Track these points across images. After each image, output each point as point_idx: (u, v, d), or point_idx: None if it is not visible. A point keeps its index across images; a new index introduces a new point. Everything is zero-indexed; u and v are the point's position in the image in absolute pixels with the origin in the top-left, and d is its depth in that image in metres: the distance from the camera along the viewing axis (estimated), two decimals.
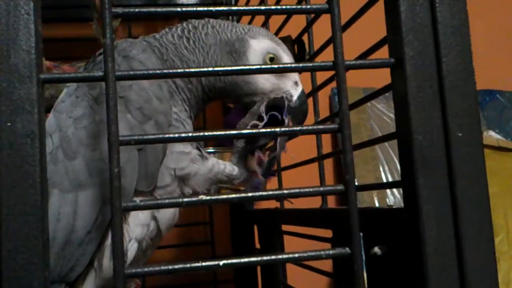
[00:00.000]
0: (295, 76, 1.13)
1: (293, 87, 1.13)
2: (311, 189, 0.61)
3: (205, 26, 1.12)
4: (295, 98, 1.12)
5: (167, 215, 1.05)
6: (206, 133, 0.61)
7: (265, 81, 1.11)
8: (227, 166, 1.11)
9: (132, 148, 0.93)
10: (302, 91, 1.14)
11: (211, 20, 1.14)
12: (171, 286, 1.95)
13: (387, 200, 2.10)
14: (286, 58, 1.13)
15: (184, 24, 1.14)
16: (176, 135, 0.61)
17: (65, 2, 1.97)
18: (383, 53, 0.72)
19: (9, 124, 0.57)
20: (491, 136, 2.20)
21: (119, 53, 0.99)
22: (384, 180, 2.13)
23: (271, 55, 1.11)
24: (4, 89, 0.57)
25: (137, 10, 0.61)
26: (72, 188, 0.94)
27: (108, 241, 0.97)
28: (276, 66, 0.61)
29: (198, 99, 1.12)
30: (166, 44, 1.10)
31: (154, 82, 0.98)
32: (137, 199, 0.99)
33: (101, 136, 0.96)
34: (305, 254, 0.59)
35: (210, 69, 0.60)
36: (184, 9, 0.61)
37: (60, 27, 2.03)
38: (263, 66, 0.62)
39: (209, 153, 1.33)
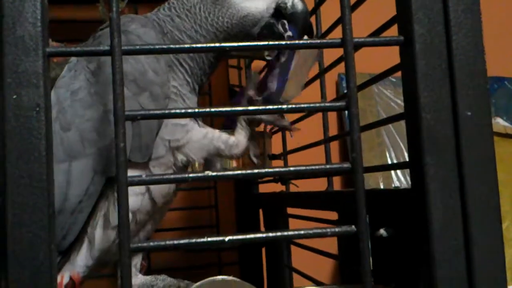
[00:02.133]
0: None
1: None
2: (317, 167, 0.61)
3: None
4: (289, 4, 1.10)
5: (160, 186, 1.05)
6: (212, 109, 0.60)
7: (256, 4, 1.10)
8: (223, 134, 1.10)
9: None
10: None
11: None
12: (176, 268, 1.96)
13: (393, 185, 2.09)
14: None
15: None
16: (183, 111, 0.60)
17: None
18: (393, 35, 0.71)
19: (14, 96, 0.57)
20: (499, 123, 2.18)
21: None
22: None
23: None
24: (10, 62, 0.57)
25: None
26: (66, 158, 0.96)
27: (102, 212, 0.99)
28: (283, 42, 0.61)
29: (203, 64, 1.11)
30: (162, 17, 1.11)
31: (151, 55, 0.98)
32: (140, 173, 0.99)
33: (95, 107, 0.97)
34: (311, 232, 0.59)
35: (217, 44, 0.59)
36: None
37: (66, 9, 2.02)
38: (271, 43, 0.62)
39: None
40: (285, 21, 1.09)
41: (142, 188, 1.01)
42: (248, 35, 1.12)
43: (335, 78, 2.25)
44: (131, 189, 0.97)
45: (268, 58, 1.17)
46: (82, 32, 1.86)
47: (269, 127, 1.34)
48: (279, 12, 1.11)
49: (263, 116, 1.12)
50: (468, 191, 0.60)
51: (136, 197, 1.00)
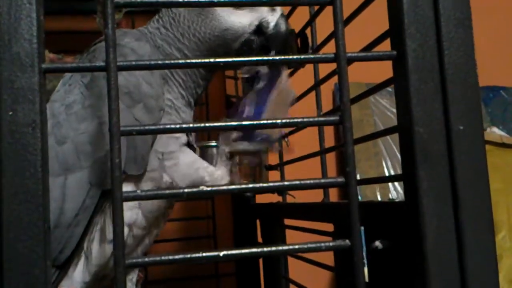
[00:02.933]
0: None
1: (269, 12, 1.11)
2: (312, 181, 0.61)
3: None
4: (272, 24, 1.10)
5: (149, 202, 1.05)
6: (206, 124, 0.61)
7: (241, 19, 1.10)
8: (211, 166, 1.11)
9: None
10: (281, 15, 1.11)
11: None
12: (173, 279, 1.96)
13: (390, 195, 2.10)
14: None
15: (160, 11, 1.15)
16: (177, 126, 0.61)
17: None
18: (386, 48, 0.72)
19: (10, 113, 0.57)
20: (495, 132, 2.19)
21: None
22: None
23: None
24: (6, 78, 0.57)
25: (138, 0, 0.61)
26: (62, 171, 0.96)
27: (98, 226, 0.99)
28: (277, 57, 0.61)
29: (195, 77, 1.12)
30: (152, 30, 1.11)
31: None
32: (134, 187, 1.00)
33: (89, 120, 0.97)
34: (305, 246, 0.59)
35: (212, 60, 0.60)
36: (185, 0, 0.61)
37: (63, 20, 2.03)
38: (265, 58, 0.62)
39: (212, 146, 1.33)
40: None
41: (135, 203, 1.01)
42: (229, 49, 1.12)
43: (331, 87, 2.26)
44: (128, 203, 0.98)
45: (245, 75, 1.16)
46: (79, 42, 1.87)
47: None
48: (260, 30, 1.11)
49: (243, 147, 1.13)
50: (461, 204, 0.61)
51: (131, 211, 1.00)
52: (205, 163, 1.11)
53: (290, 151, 1.34)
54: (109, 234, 0.98)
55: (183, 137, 1.07)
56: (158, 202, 1.08)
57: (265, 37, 1.11)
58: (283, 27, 1.11)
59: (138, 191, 0.59)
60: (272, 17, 1.10)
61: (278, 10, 1.11)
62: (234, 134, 1.12)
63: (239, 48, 1.12)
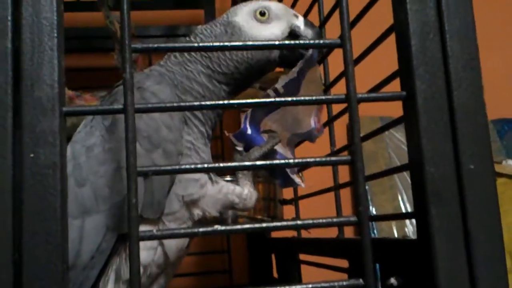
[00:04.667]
0: (290, 11, 1.16)
1: (295, 18, 1.15)
2: (324, 220, 0.62)
3: (196, 36, 1.16)
4: (302, 27, 1.14)
5: (175, 241, 1.06)
6: (221, 165, 0.62)
7: (272, 31, 1.14)
8: (237, 187, 1.13)
9: None
10: (305, 18, 1.16)
11: (197, 28, 1.19)
12: None
13: (406, 229, 2.09)
14: (274, 5, 1.16)
15: None
16: (193, 166, 0.62)
17: (87, 32, 2.03)
18: (397, 83, 0.74)
19: (32, 155, 0.59)
20: (510, 165, 2.18)
21: (134, 85, 1.01)
22: (403, 209, 2.12)
23: (260, 10, 1.14)
24: (28, 122, 0.60)
25: (155, 45, 0.63)
26: (80, 214, 0.97)
27: (113, 266, 1.00)
28: (290, 99, 0.63)
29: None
30: (171, 67, 1.13)
31: None
32: (152, 228, 1.01)
33: (108, 164, 0.98)
34: (319, 285, 0.60)
35: (225, 102, 0.62)
36: (200, 44, 0.63)
37: (82, 57, 2.08)
38: (277, 99, 0.64)
39: (227, 181, 1.34)
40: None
41: (154, 243, 1.02)
42: (269, 60, 1.15)
43: (345, 121, 2.27)
44: (143, 244, 0.99)
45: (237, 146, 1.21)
46: (98, 79, 1.92)
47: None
48: (294, 35, 1.15)
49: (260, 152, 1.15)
50: (473, 243, 0.61)
51: (147, 251, 1.01)
52: (231, 186, 1.12)
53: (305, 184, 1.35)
54: (124, 275, 0.99)
55: (203, 178, 1.08)
56: (184, 240, 1.09)
57: (302, 39, 1.14)
58: (313, 26, 1.16)
59: (154, 230, 0.60)
60: (299, 21, 1.15)
61: (300, 17, 1.16)
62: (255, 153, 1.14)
63: (280, 55, 1.15)
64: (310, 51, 1.11)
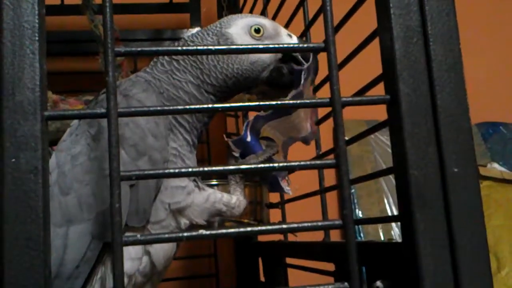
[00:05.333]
0: (283, 31, 1.15)
1: (289, 39, 1.15)
2: (310, 224, 0.62)
3: (185, 44, 1.15)
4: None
5: (162, 250, 1.05)
6: (206, 169, 0.62)
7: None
8: (225, 195, 1.12)
9: (123, 184, 0.94)
10: (299, 41, 1.16)
11: (186, 37, 1.18)
12: None
13: (392, 232, 2.09)
14: (269, 23, 1.15)
15: None
16: (176, 170, 0.62)
17: (72, 36, 2.02)
18: (381, 87, 0.74)
19: (13, 160, 0.58)
20: (495, 168, 2.20)
21: (121, 92, 1.00)
22: (389, 212, 2.13)
23: (256, 27, 1.13)
24: (9, 126, 0.59)
25: (139, 49, 0.62)
26: (64, 222, 0.96)
27: (98, 275, 0.99)
28: (274, 102, 0.63)
29: (202, 116, 1.13)
30: (158, 75, 1.11)
31: (151, 119, 0.99)
32: (136, 234, 1.00)
33: (94, 172, 0.97)
34: None
35: (210, 105, 0.62)
36: (184, 48, 0.62)
37: (66, 61, 2.07)
38: (261, 103, 0.64)
39: (212, 185, 1.34)
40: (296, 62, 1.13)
41: (139, 252, 1.01)
42: (256, 79, 1.14)
43: (332, 124, 2.28)
44: (128, 253, 0.98)
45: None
46: (82, 83, 1.91)
47: None
48: (286, 56, 1.14)
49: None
50: (458, 245, 0.61)
51: (132, 262, 0.99)
52: (218, 195, 1.11)
53: (291, 187, 1.35)
54: (109, 284, 0.98)
55: (189, 186, 1.07)
56: (172, 248, 1.08)
57: (294, 61, 1.13)
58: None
59: (138, 235, 0.59)
60: (292, 41, 1.15)
61: (294, 36, 1.16)
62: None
63: (268, 76, 1.15)
64: (310, 59, 1.12)
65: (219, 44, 1.11)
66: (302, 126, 1.19)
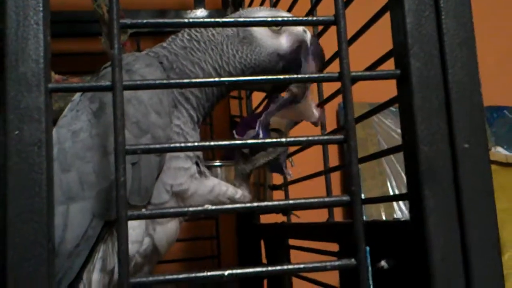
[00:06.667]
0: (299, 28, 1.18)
1: (304, 33, 1.18)
2: (316, 200, 0.61)
3: (208, 29, 1.16)
4: (308, 39, 1.17)
5: (165, 234, 1.04)
6: (211, 143, 0.61)
7: (283, 41, 1.16)
8: (229, 189, 1.12)
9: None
10: (312, 36, 1.19)
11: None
12: None
13: (395, 215, 2.09)
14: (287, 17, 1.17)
15: (188, 30, 1.16)
16: (182, 144, 0.61)
17: (75, 16, 2.00)
18: (390, 67, 0.72)
19: (16, 132, 0.57)
20: (499, 152, 2.19)
21: (123, 67, 0.99)
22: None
23: None
24: (12, 98, 0.58)
25: (144, 21, 0.61)
26: (65, 200, 0.95)
27: (98, 255, 0.98)
28: (286, 76, 0.62)
29: (212, 95, 1.15)
30: (176, 49, 1.12)
31: (154, 95, 0.98)
32: (145, 225, 1.00)
33: (95, 149, 0.96)
34: (310, 265, 0.59)
35: (216, 79, 0.60)
36: (191, 20, 0.61)
37: (69, 42, 2.05)
38: (269, 77, 0.62)
39: (216, 166, 1.33)
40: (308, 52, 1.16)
41: (140, 235, 1.00)
42: (273, 70, 1.17)
43: (335, 107, 2.27)
44: (130, 236, 0.96)
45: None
46: (85, 64, 1.90)
47: None
48: (300, 47, 1.17)
49: (263, 160, 1.16)
50: (467, 223, 0.60)
51: (132, 245, 0.97)
52: (223, 187, 1.12)
53: (294, 171, 1.35)
54: (110, 264, 0.97)
55: (192, 168, 1.07)
56: (173, 232, 1.08)
57: (307, 51, 1.17)
58: (317, 42, 1.19)
59: (143, 210, 0.59)
60: (307, 36, 1.17)
61: (308, 31, 1.18)
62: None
63: (282, 66, 1.18)
64: (310, 50, 1.15)
65: (238, 36, 1.14)
66: (311, 112, 1.21)
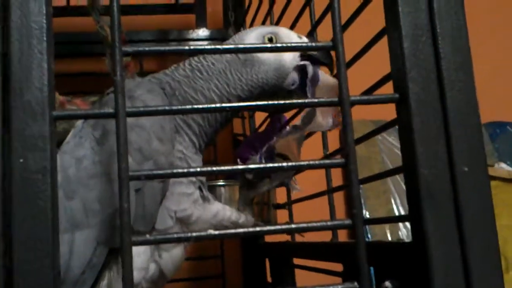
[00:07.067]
0: (296, 36, 1.17)
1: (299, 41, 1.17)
2: (318, 224, 0.62)
3: (207, 57, 1.16)
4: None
5: (171, 258, 1.05)
6: (214, 168, 0.62)
7: (284, 56, 1.15)
8: (233, 214, 1.13)
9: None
10: (309, 37, 1.19)
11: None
12: None
13: (399, 233, 2.08)
14: (281, 31, 1.18)
15: (189, 59, 1.17)
16: (185, 170, 0.62)
17: (78, 37, 2.02)
18: (389, 86, 0.73)
19: (21, 160, 0.58)
20: (503, 168, 2.19)
21: (125, 93, 1.00)
22: (396, 213, 2.12)
23: (268, 36, 1.16)
24: (17, 126, 0.59)
25: (147, 49, 0.62)
26: (69, 227, 0.95)
27: (104, 281, 0.98)
28: (282, 102, 0.62)
29: (215, 122, 1.14)
30: (179, 77, 1.12)
31: (156, 122, 0.99)
32: (151, 252, 1.00)
33: (99, 176, 0.96)
34: None
35: (218, 105, 0.61)
36: (192, 47, 0.62)
37: (73, 62, 2.07)
38: (270, 102, 0.63)
39: (220, 186, 1.34)
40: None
41: (145, 262, 1.00)
42: (281, 85, 1.16)
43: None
44: (136, 263, 0.97)
45: None
46: (89, 84, 1.91)
47: None
48: (305, 57, 1.16)
49: (268, 186, 1.17)
50: (468, 245, 0.61)
51: (138, 272, 0.98)
52: (228, 212, 1.12)
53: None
54: None
55: (195, 193, 1.07)
56: (179, 257, 1.08)
57: (312, 60, 1.15)
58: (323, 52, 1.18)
59: (147, 236, 0.59)
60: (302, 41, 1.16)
61: (304, 38, 1.18)
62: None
63: (291, 84, 1.17)
64: (310, 70, 1.13)
65: (239, 59, 1.13)
66: (323, 120, 1.21)
